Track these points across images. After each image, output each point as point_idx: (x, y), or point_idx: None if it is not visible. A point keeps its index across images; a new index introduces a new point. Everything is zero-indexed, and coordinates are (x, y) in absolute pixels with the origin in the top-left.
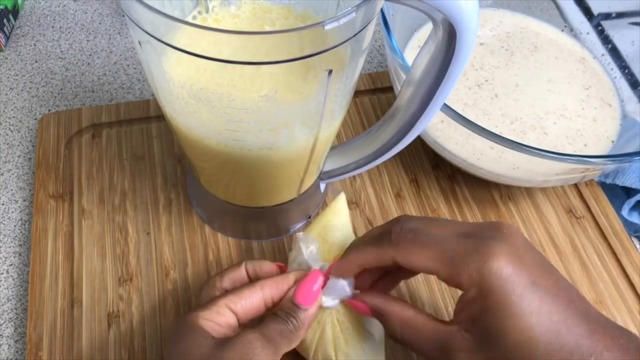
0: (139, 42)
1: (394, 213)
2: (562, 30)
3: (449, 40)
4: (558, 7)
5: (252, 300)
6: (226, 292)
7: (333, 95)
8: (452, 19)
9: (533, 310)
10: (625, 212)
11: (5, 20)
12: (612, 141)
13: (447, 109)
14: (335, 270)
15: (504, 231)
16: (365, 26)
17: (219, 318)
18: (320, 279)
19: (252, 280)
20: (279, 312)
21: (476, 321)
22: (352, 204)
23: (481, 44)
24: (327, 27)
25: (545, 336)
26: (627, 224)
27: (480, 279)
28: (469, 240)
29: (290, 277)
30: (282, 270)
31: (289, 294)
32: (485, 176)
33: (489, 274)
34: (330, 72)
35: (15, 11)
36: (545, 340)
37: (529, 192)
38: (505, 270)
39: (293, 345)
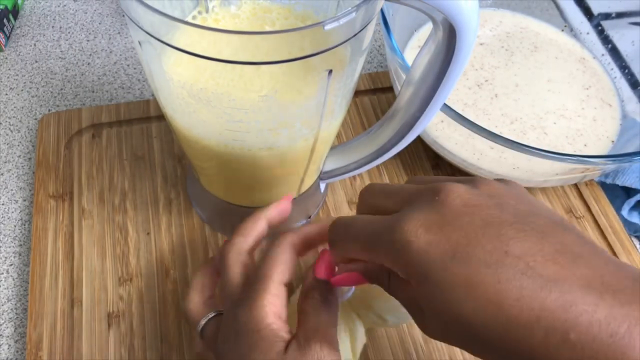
0: (139, 42)
1: None
2: (562, 30)
3: (449, 40)
4: (558, 7)
5: (292, 261)
6: (266, 263)
7: (333, 95)
8: (452, 19)
9: (457, 283)
10: (625, 212)
11: (5, 20)
12: (612, 141)
13: (447, 109)
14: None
15: (435, 197)
16: (365, 26)
17: (279, 301)
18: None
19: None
20: (309, 296)
21: (415, 298)
22: (352, 203)
23: (481, 44)
24: (327, 27)
25: (482, 312)
26: (627, 224)
27: (397, 261)
28: (388, 217)
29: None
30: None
31: (308, 278)
32: (485, 176)
33: (401, 252)
34: (330, 72)
35: (15, 11)
36: (485, 317)
37: (529, 192)
38: (415, 245)
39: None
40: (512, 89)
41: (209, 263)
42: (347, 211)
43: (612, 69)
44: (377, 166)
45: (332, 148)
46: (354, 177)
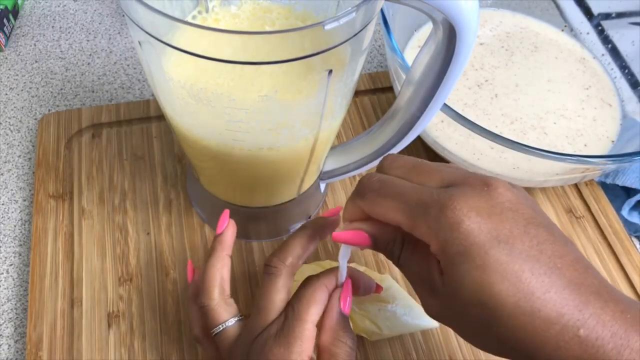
0: (139, 42)
1: None
2: (562, 30)
3: (449, 40)
4: (558, 7)
5: (324, 302)
6: (302, 303)
7: (333, 95)
8: (452, 19)
9: (495, 268)
10: (625, 212)
11: (5, 20)
12: (612, 141)
13: (447, 109)
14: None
15: (485, 188)
16: (365, 26)
17: (311, 344)
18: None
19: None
20: (334, 341)
21: (442, 274)
22: None
23: (481, 44)
24: (327, 27)
25: (511, 297)
26: (627, 224)
27: (439, 232)
28: (437, 191)
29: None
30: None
31: (332, 317)
32: None
33: (447, 226)
34: (330, 72)
35: (15, 11)
36: (512, 302)
37: (529, 192)
38: (465, 225)
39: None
40: (512, 89)
41: (225, 251)
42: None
43: (612, 69)
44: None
45: (332, 148)
46: (354, 177)
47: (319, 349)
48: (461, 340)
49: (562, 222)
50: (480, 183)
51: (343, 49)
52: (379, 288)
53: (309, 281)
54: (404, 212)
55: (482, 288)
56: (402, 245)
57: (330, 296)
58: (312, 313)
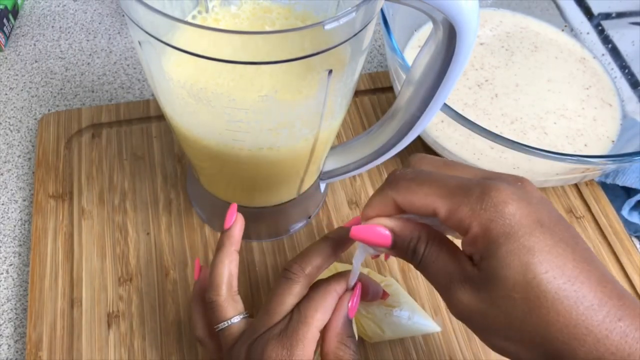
0: (139, 42)
1: None
2: (562, 30)
3: (449, 40)
4: (558, 7)
5: (332, 310)
6: (310, 306)
7: (333, 95)
8: (452, 19)
9: (540, 248)
10: (625, 212)
11: (5, 20)
12: (613, 141)
13: (447, 109)
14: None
15: (518, 183)
16: (365, 26)
17: (313, 348)
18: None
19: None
20: (340, 345)
21: (483, 259)
22: (352, 203)
23: (481, 44)
24: (327, 26)
25: (555, 280)
26: (627, 224)
27: (482, 212)
28: (476, 179)
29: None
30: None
31: (339, 321)
32: None
33: (492, 206)
34: (330, 72)
35: (15, 11)
36: (556, 286)
37: None
38: (510, 207)
39: None
40: (512, 89)
41: (233, 246)
42: (347, 211)
43: (612, 69)
44: (377, 166)
45: (332, 148)
46: (354, 177)
47: (322, 352)
48: (461, 340)
49: None
50: (513, 179)
51: (343, 49)
52: (385, 294)
53: (319, 285)
54: (442, 195)
55: (528, 268)
56: (427, 242)
57: (339, 300)
58: (319, 318)
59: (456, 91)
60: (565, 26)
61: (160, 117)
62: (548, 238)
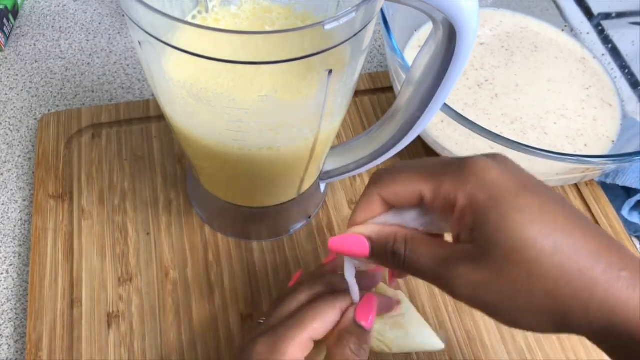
0: (139, 42)
1: None
2: (562, 30)
3: (449, 40)
4: (558, 7)
5: (332, 324)
6: (308, 312)
7: (333, 95)
8: (452, 19)
9: (529, 208)
10: (625, 212)
11: (5, 20)
12: (612, 141)
13: (447, 109)
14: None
15: (497, 157)
16: (365, 26)
17: (301, 353)
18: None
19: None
20: (346, 342)
21: (474, 230)
22: (352, 203)
23: (481, 44)
24: (327, 26)
25: (550, 236)
26: (627, 224)
27: (465, 183)
28: (453, 159)
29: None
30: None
31: (348, 318)
32: None
33: (473, 175)
34: (330, 72)
35: (15, 11)
36: (552, 241)
37: None
38: (491, 173)
39: None
40: (512, 89)
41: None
42: (348, 211)
43: (612, 69)
44: (377, 167)
45: (332, 148)
46: (354, 177)
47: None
48: (462, 341)
49: None
50: (487, 155)
51: (343, 49)
52: (396, 306)
53: (324, 298)
54: (424, 178)
55: (522, 227)
56: (404, 240)
57: (345, 312)
58: (314, 327)
59: (456, 91)
60: (565, 26)
61: (160, 117)
62: (535, 197)
